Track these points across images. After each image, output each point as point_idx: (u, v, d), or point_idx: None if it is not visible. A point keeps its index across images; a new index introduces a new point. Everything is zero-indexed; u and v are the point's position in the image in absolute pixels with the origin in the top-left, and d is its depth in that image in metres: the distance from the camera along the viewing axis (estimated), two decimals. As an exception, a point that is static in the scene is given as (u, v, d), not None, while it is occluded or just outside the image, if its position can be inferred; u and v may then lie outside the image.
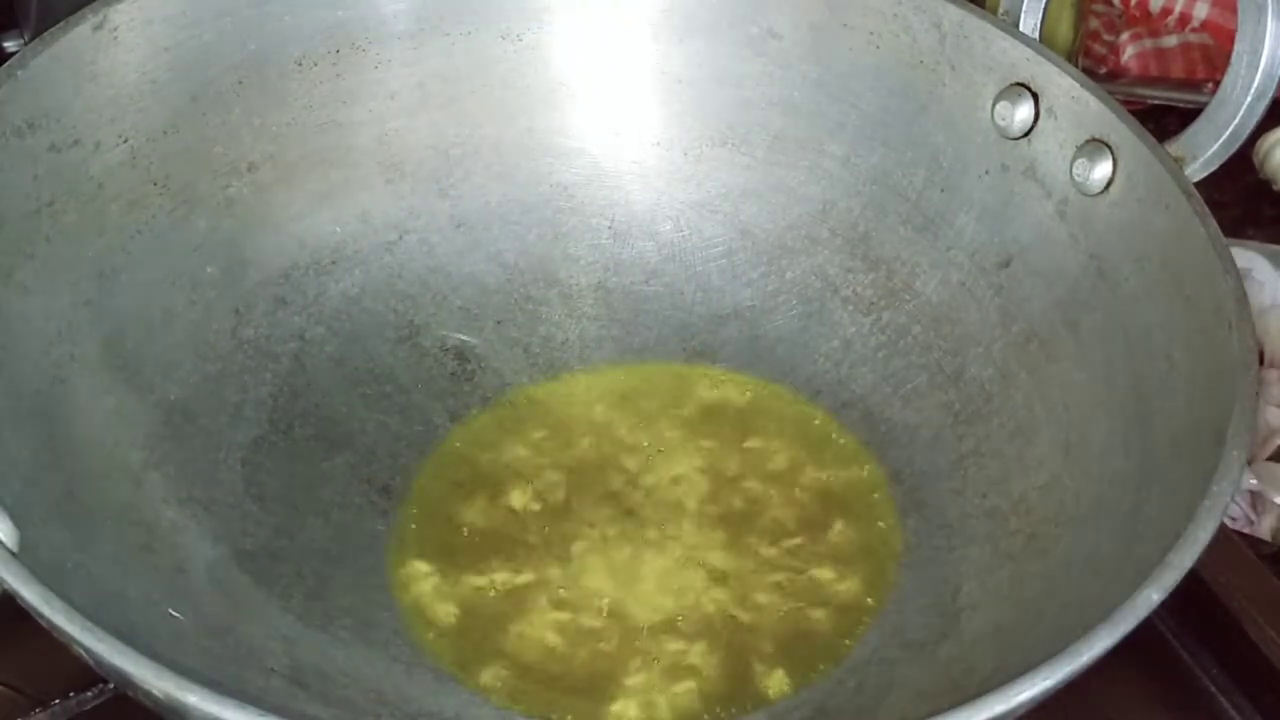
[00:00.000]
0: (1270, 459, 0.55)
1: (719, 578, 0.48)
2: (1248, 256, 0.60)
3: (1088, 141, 0.48)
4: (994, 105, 0.51)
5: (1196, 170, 0.48)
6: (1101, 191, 0.48)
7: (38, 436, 0.43)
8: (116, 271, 0.48)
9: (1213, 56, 0.74)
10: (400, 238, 0.55)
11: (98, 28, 0.47)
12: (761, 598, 0.47)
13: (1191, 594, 0.47)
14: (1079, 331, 0.48)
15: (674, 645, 0.46)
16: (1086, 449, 0.46)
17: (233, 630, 0.43)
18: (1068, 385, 0.48)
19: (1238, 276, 0.42)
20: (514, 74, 0.55)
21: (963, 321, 0.52)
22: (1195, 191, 0.45)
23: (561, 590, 0.47)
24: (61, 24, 0.47)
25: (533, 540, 0.49)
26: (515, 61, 0.55)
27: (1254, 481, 0.53)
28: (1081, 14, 0.65)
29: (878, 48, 0.53)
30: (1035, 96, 0.49)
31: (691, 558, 0.48)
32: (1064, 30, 0.64)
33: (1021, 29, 0.52)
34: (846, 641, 0.46)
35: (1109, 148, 0.47)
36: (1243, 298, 0.42)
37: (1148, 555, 0.37)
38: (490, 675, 0.45)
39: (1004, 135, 0.51)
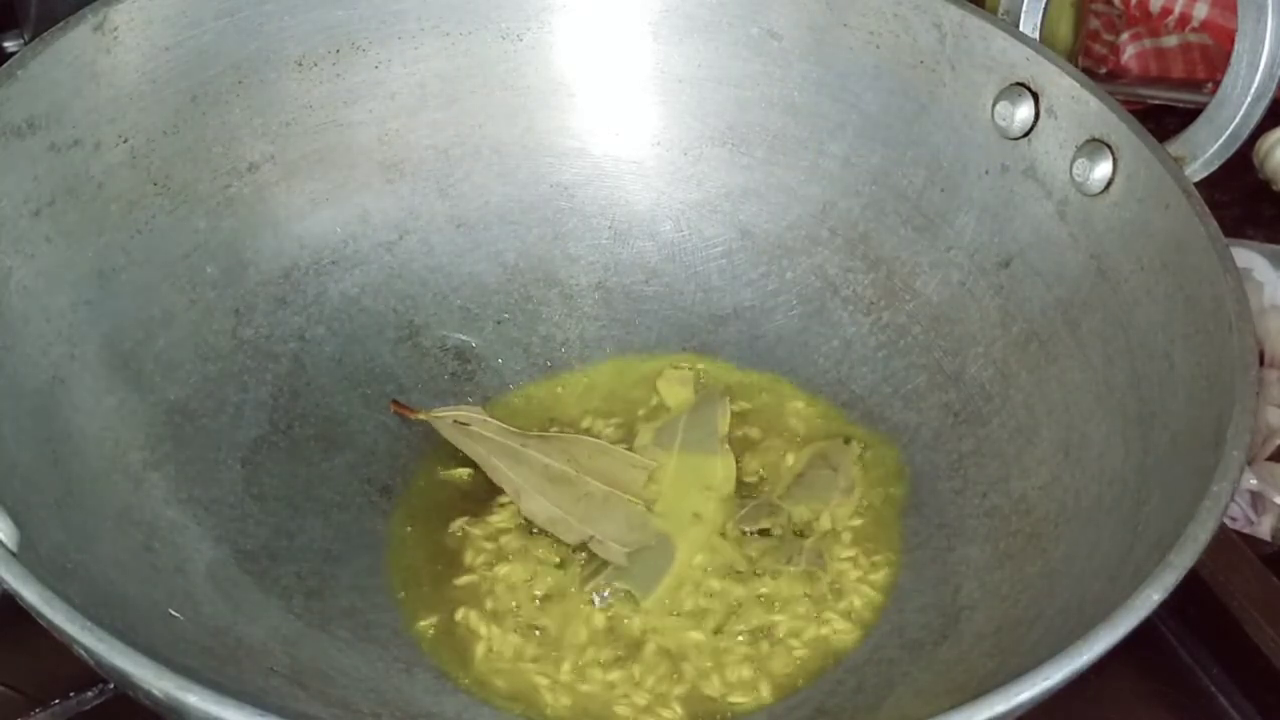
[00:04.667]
0: (1270, 459, 0.55)
1: (718, 577, 0.48)
2: (1248, 256, 0.61)
3: (1088, 141, 0.48)
4: (994, 105, 0.51)
5: (1196, 170, 0.48)
6: (1101, 191, 0.48)
7: (38, 436, 0.43)
8: (116, 271, 0.48)
9: (1213, 56, 0.74)
10: (400, 238, 0.55)
11: (98, 28, 0.47)
12: (760, 596, 0.47)
13: (1191, 594, 0.47)
14: (1079, 331, 0.48)
15: (671, 642, 0.46)
16: (1086, 449, 0.46)
17: (233, 630, 0.43)
18: (1068, 385, 0.48)
19: (1238, 276, 0.42)
20: (514, 74, 0.55)
21: (963, 321, 0.52)
22: (1195, 191, 0.45)
23: (560, 590, 0.47)
24: (61, 24, 0.47)
25: (534, 540, 0.49)
26: (515, 61, 0.55)
27: (1254, 481, 0.53)
28: (1081, 14, 0.65)
29: (878, 48, 0.53)
30: (1035, 96, 0.49)
31: (690, 557, 0.48)
32: (1064, 30, 0.64)
33: (1021, 29, 0.52)
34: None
35: (1109, 148, 0.48)
36: (1243, 298, 0.42)
37: (1148, 555, 0.37)
38: (486, 675, 0.45)
39: (1004, 135, 0.51)
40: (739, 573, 0.48)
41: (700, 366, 0.54)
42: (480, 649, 0.46)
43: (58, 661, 0.39)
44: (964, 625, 0.45)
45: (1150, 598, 0.35)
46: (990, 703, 0.33)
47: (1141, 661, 0.48)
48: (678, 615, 0.47)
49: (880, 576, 0.48)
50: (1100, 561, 0.42)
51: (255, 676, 0.42)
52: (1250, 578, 0.48)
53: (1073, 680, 0.34)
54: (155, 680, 0.32)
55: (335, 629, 0.45)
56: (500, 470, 0.50)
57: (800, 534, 0.48)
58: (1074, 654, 0.34)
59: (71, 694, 0.46)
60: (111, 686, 0.45)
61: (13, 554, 0.35)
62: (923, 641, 0.45)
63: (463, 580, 0.48)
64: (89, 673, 0.40)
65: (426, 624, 0.46)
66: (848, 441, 0.51)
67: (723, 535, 0.48)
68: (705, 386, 0.53)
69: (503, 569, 0.48)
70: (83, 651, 0.33)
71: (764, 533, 0.48)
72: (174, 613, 0.42)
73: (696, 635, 0.46)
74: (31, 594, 0.34)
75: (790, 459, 0.51)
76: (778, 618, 0.47)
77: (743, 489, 0.50)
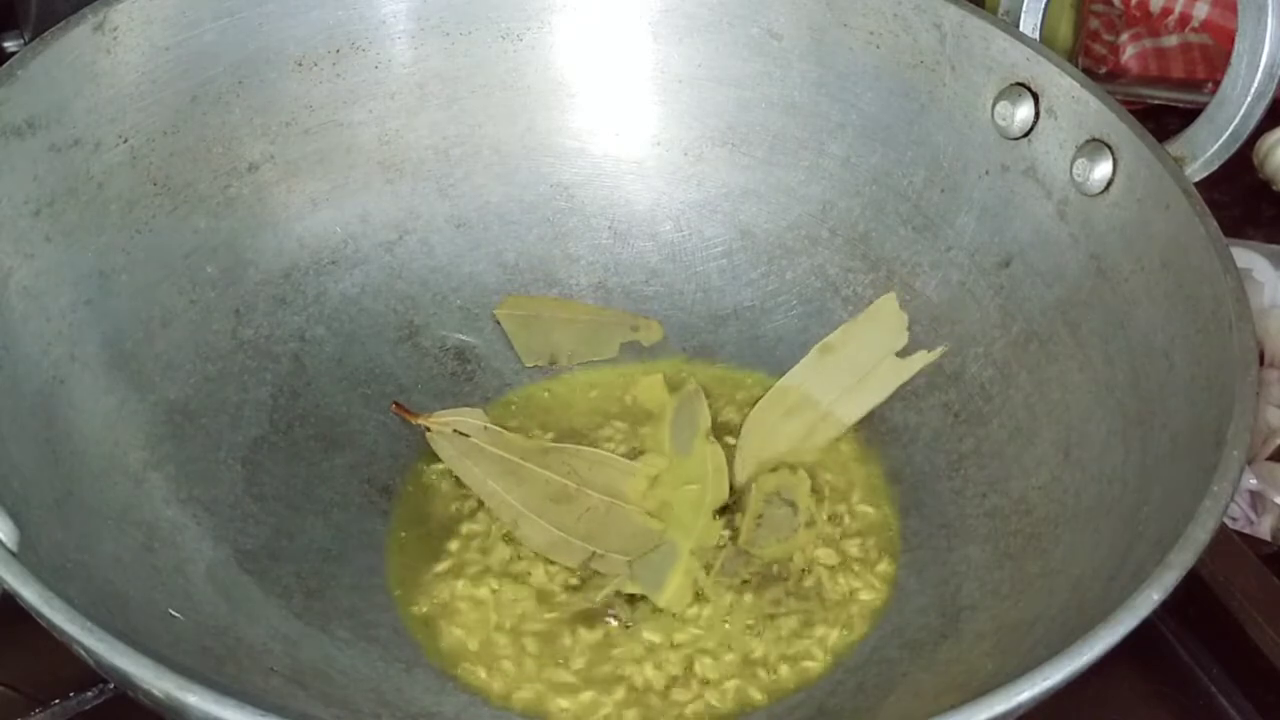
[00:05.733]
0: (1270, 459, 0.55)
1: (717, 578, 0.48)
2: (1248, 256, 0.61)
3: (1088, 141, 0.48)
4: (994, 105, 0.51)
5: (1196, 170, 0.48)
6: (1101, 191, 0.48)
7: (38, 436, 0.43)
8: (116, 271, 0.48)
9: (1213, 56, 0.74)
10: (400, 238, 0.55)
11: (98, 28, 0.47)
12: (759, 596, 0.47)
13: (1191, 594, 0.47)
14: (1079, 331, 0.48)
15: (668, 639, 0.46)
16: (1086, 449, 0.46)
17: (233, 630, 0.43)
18: (1068, 385, 0.48)
19: (1238, 276, 0.42)
20: (514, 74, 0.55)
21: (963, 321, 0.52)
22: (1195, 191, 0.45)
23: (562, 592, 0.47)
24: (61, 24, 0.47)
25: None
26: (515, 61, 0.55)
27: (1254, 481, 0.53)
28: (1081, 14, 0.65)
29: (878, 48, 0.53)
30: (1035, 96, 0.49)
31: (690, 558, 0.48)
32: (1064, 30, 0.64)
33: (1021, 29, 0.52)
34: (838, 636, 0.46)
35: (1109, 148, 0.48)
36: (1243, 298, 0.42)
37: (1148, 555, 0.37)
38: (487, 674, 0.45)
39: (1004, 135, 0.51)
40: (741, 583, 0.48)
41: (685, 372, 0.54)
42: (481, 649, 0.46)
43: (58, 661, 0.39)
44: (964, 625, 0.45)
45: (1150, 598, 0.35)
46: (990, 703, 0.33)
47: (1141, 661, 0.48)
48: (678, 619, 0.47)
49: (880, 576, 0.48)
50: (1100, 561, 0.42)
51: (255, 676, 0.42)
52: (1250, 578, 0.48)
53: (1073, 680, 0.34)
54: (155, 680, 0.32)
55: (335, 629, 0.45)
56: (498, 495, 0.49)
57: (780, 576, 0.48)
58: (1074, 654, 0.34)
59: (71, 694, 0.46)
60: (111, 686, 0.45)
61: (13, 554, 0.35)
62: (923, 641, 0.45)
63: (464, 580, 0.48)
64: (89, 673, 0.40)
65: (427, 623, 0.46)
66: (795, 471, 0.50)
67: (706, 595, 0.47)
68: (679, 386, 0.53)
69: (503, 570, 0.48)
70: (83, 651, 0.33)
71: (744, 583, 0.47)
72: (174, 613, 0.42)
73: (695, 637, 0.46)
74: (31, 594, 0.34)
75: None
76: (777, 619, 0.47)
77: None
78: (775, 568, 0.48)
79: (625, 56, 0.56)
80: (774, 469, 0.50)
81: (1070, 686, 0.34)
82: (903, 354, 0.53)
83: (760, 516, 0.49)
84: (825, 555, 0.48)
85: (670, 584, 0.47)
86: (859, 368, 0.52)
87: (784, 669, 0.45)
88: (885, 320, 0.53)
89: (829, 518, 0.50)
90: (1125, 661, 0.39)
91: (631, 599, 0.47)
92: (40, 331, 0.45)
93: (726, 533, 0.49)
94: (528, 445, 0.51)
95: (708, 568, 0.48)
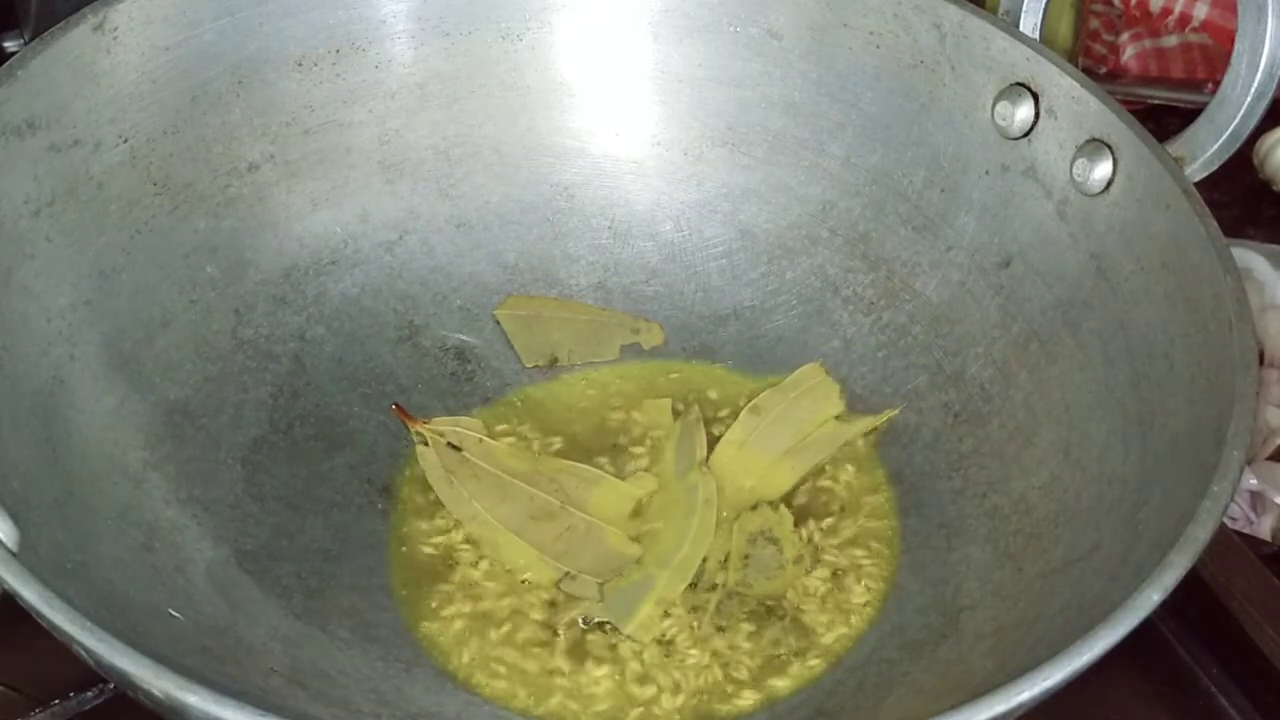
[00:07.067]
0: (1270, 459, 0.55)
1: (716, 579, 0.48)
2: (1248, 256, 0.61)
3: (1088, 141, 0.48)
4: (994, 105, 0.51)
5: (1196, 170, 0.48)
6: (1101, 191, 0.48)
7: (38, 436, 0.43)
8: (116, 271, 0.48)
9: (1213, 56, 0.74)
10: (400, 238, 0.55)
11: (98, 28, 0.47)
12: (760, 597, 0.47)
13: (1191, 594, 0.47)
14: (1079, 331, 0.48)
15: (668, 643, 0.46)
16: (1086, 449, 0.46)
17: (233, 630, 0.43)
18: (1068, 385, 0.48)
19: (1238, 276, 0.42)
20: (514, 74, 0.55)
21: (963, 321, 0.52)
22: (1195, 191, 0.45)
23: (557, 590, 0.47)
24: (61, 24, 0.47)
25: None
26: (515, 61, 0.55)
27: (1254, 481, 0.53)
28: (1081, 14, 0.65)
29: (878, 48, 0.53)
30: (1035, 96, 0.50)
31: (689, 558, 0.48)
32: (1064, 30, 0.64)
33: (1021, 29, 0.52)
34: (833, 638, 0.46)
35: (1109, 148, 0.48)
36: (1243, 298, 0.42)
37: (1148, 555, 0.37)
38: (486, 674, 0.45)
39: (1004, 135, 0.51)
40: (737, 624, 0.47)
41: (675, 376, 0.54)
42: (481, 649, 0.46)
43: (58, 661, 0.39)
44: (964, 625, 0.45)
45: (1150, 598, 0.35)
46: (990, 703, 0.33)
47: (1141, 661, 0.48)
48: (671, 624, 0.47)
49: (879, 576, 0.48)
50: (1100, 561, 0.42)
51: (255, 676, 0.42)
52: (1250, 578, 0.48)
53: (1073, 680, 0.34)
54: (155, 680, 0.32)
55: (335, 629, 0.45)
56: (479, 517, 0.49)
57: (776, 614, 0.47)
58: (1074, 654, 0.34)
59: (71, 694, 0.46)
60: (111, 686, 0.45)
61: (13, 554, 0.35)
62: (923, 641, 0.45)
63: (464, 580, 0.48)
64: (89, 673, 0.40)
65: (426, 623, 0.46)
66: (776, 508, 0.50)
67: (700, 638, 0.47)
68: (682, 411, 0.53)
69: (505, 570, 0.48)
70: (83, 651, 0.33)
71: (740, 623, 0.47)
72: (174, 613, 0.42)
73: (691, 639, 0.46)
74: (31, 594, 0.34)
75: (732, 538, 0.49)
76: (777, 620, 0.47)
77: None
78: (769, 605, 0.47)
79: (625, 56, 0.56)
80: (754, 507, 0.50)
81: (1070, 686, 0.34)
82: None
83: (747, 557, 0.49)
84: (819, 580, 0.48)
85: (639, 614, 0.46)
86: (796, 431, 0.52)
87: (783, 679, 0.46)
88: (814, 388, 0.53)
89: (828, 515, 0.50)
90: (1125, 661, 0.39)
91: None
92: (40, 331, 0.45)
93: (720, 577, 0.48)
94: (519, 462, 0.50)
95: (701, 611, 0.47)
